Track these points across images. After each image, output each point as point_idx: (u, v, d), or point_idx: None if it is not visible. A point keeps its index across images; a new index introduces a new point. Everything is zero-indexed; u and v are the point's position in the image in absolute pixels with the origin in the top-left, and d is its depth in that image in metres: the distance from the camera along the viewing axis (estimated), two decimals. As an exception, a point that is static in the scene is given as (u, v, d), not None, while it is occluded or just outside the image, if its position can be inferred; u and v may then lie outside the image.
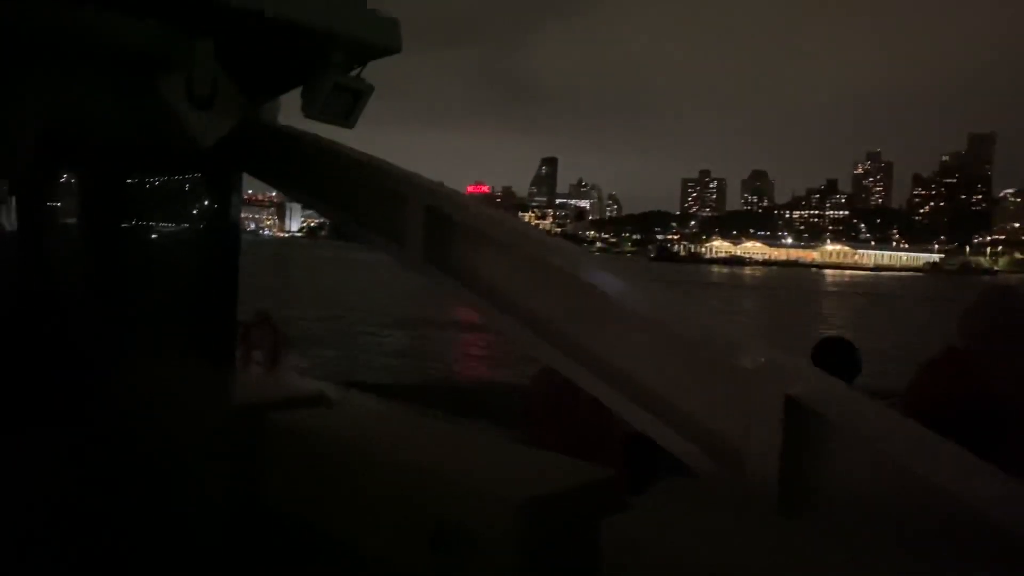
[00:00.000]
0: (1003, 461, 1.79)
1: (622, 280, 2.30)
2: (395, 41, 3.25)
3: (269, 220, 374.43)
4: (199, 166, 4.16)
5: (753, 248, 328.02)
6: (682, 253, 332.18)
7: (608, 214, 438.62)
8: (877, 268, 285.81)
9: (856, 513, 1.70)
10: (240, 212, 4.33)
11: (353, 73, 3.30)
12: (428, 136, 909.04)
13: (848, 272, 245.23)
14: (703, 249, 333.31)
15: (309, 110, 3.21)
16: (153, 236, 4.43)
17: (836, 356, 4.52)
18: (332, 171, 3.42)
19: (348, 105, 3.27)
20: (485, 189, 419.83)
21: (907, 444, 1.69)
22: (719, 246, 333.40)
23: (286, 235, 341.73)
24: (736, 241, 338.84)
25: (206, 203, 4.31)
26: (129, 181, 4.30)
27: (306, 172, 3.56)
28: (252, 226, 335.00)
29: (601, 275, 2.33)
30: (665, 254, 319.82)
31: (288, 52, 3.28)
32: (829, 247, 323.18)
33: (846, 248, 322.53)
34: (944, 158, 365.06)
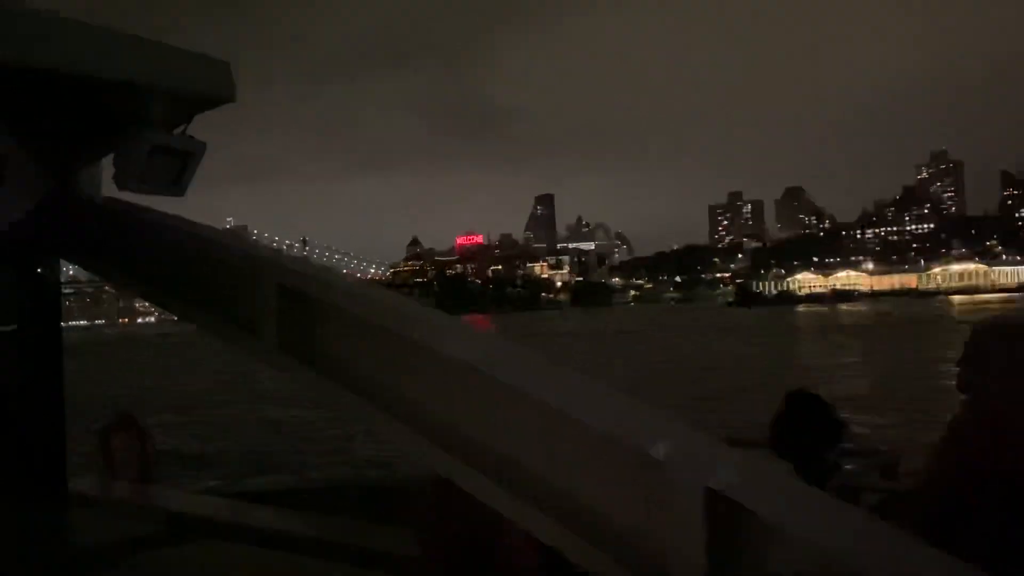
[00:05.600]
0: None
1: (517, 361, 1.98)
2: (226, 89, 2.73)
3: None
4: (2, 254, 3.32)
5: (848, 279, 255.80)
6: (767, 293, 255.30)
7: (616, 257, 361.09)
8: (1021, 287, 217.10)
9: None
10: (59, 304, 3.67)
11: (177, 131, 2.79)
12: (394, 182, 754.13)
13: (985, 296, 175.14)
14: (793, 285, 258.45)
15: (123, 180, 2.69)
16: None
17: (807, 419, 3.63)
18: (164, 250, 2.78)
19: (175, 169, 2.77)
20: (478, 239, 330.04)
21: (846, 537, 1.47)
22: (804, 279, 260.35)
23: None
24: (825, 272, 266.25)
25: (16, 296, 3.48)
26: None
27: (132, 253, 2.91)
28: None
29: (497, 356, 2.00)
30: (749, 297, 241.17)
31: (94, 112, 2.77)
32: (955, 267, 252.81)
33: (979, 266, 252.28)
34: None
